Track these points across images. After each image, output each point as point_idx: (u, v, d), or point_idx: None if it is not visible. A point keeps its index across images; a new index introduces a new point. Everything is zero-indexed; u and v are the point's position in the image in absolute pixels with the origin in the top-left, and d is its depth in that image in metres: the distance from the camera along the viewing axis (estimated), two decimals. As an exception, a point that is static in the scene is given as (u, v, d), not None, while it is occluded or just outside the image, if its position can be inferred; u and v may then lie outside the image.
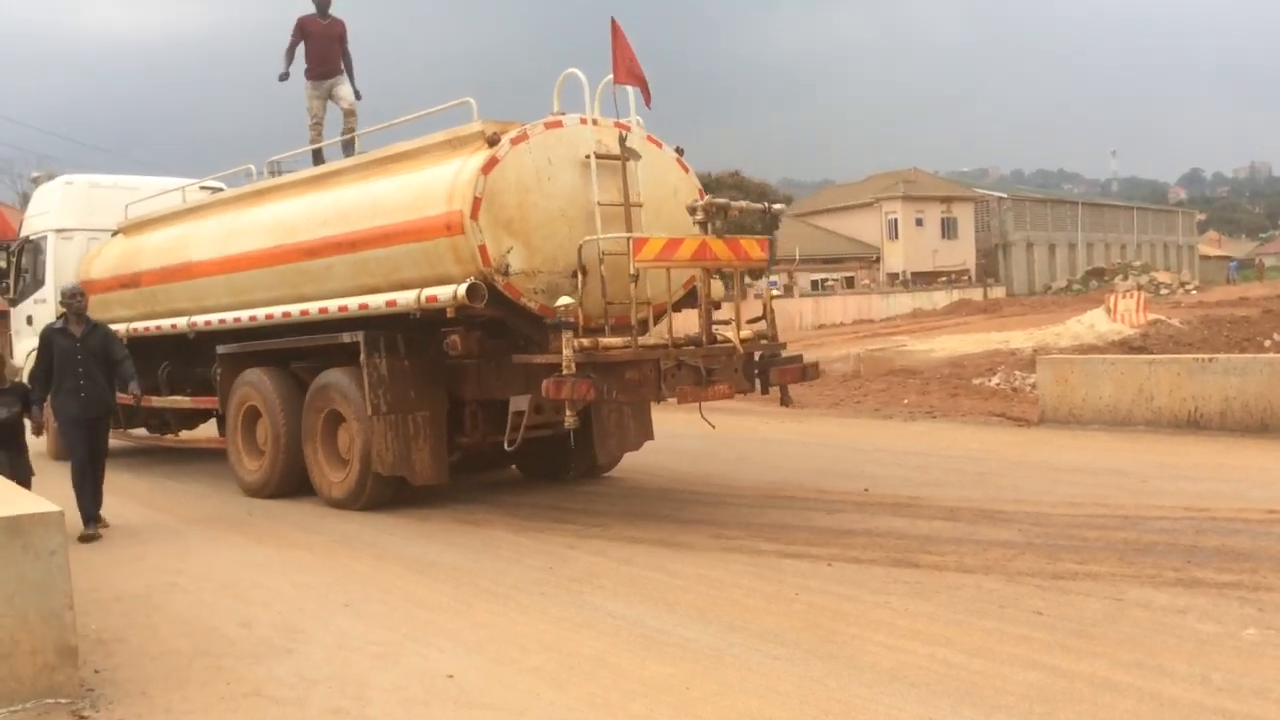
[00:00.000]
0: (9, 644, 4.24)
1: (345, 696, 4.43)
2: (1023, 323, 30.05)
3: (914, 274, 57.14)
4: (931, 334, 29.28)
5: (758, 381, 8.64)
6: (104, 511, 8.67)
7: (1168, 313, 26.88)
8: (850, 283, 55.47)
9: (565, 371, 7.45)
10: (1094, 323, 23.50)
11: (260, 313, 10.04)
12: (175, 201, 12.47)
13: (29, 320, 14.25)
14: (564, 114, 8.60)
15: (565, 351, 7.44)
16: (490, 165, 7.94)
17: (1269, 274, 75.29)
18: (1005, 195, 69.83)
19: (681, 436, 13.79)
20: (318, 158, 10.93)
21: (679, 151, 9.25)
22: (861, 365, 19.57)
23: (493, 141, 8.06)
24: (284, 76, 11.26)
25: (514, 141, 8.09)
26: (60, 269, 13.68)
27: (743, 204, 8.96)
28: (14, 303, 14.91)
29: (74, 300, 8.62)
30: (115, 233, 13.21)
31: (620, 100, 8.74)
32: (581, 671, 4.64)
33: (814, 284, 52.89)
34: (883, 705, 4.12)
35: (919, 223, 59.95)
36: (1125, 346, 19.54)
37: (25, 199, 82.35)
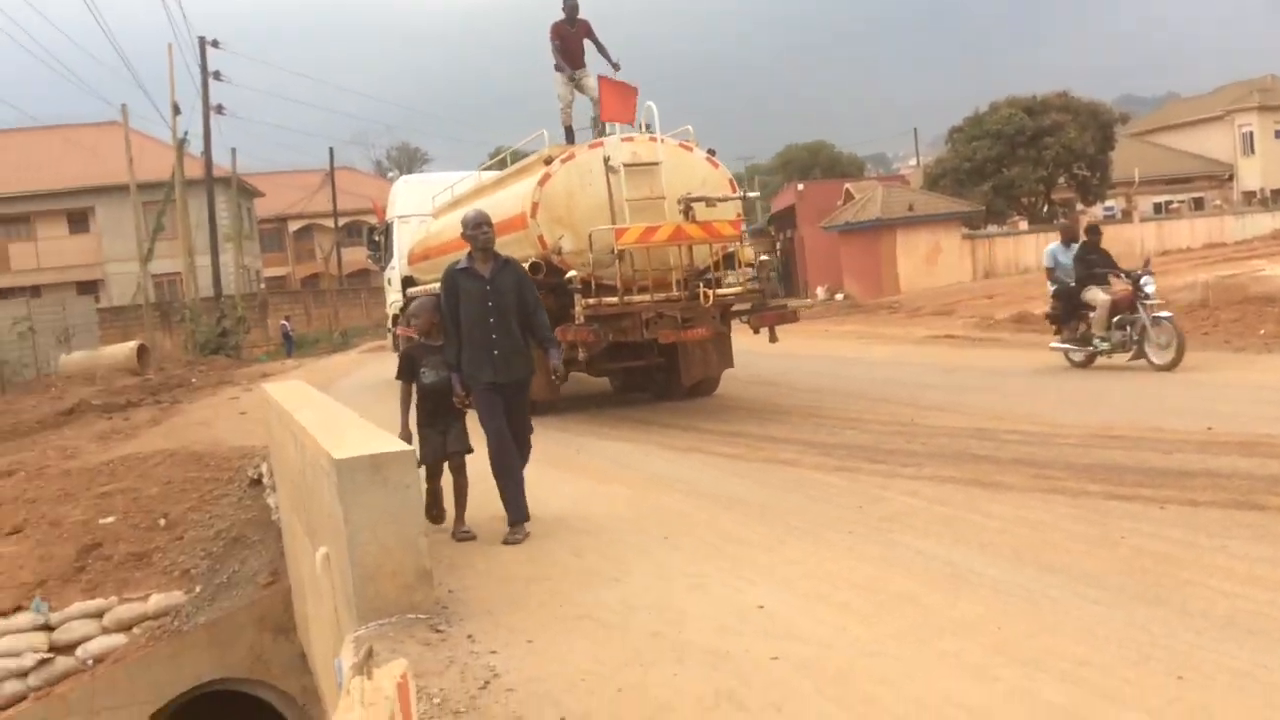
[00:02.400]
0: (373, 567, 4.83)
1: (664, 622, 4.72)
2: None
3: (1274, 191, 51.40)
4: (1295, 256, 26.41)
5: (747, 323, 11.78)
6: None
7: None
8: (1198, 204, 50.71)
9: (576, 322, 10.56)
10: None
11: None
12: (445, 195, 16.02)
13: (389, 282, 19.21)
14: (608, 135, 11.84)
15: (576, 308, 10.61)
16: (544, 180, 11.29)
17: None
18: (1390, 94, 61.13)
19: (1003, 373, 13.32)
20: (569, 136, 12.89)
21: (710, 152, 11.96)
22: (1210, 293, 17.96)
23: (548, 162, 11.41)
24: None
25: (563, 161, 11.39)
26: (400, 246, 18.08)
27: (720, 196, 11.37)
28: (382, 270, 20.50)
29: (478, 232, 6.74)
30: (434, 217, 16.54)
31: (651, 118, 11.78)
32: (889, 608, 4.70)
33: (1156, 207, 48.77)
34: (1213, 653, 3.91)
35: (1279, 135, 53.75)
36: None
37: (378, 166, 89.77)
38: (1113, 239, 39.15)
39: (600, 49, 13.16)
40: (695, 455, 9.19)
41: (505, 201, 11.99)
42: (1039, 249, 36.08)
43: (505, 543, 6.41)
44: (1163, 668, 3.83)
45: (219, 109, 36.07)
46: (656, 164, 11.34)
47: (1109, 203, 44.16)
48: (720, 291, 11.17)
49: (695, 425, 10.90)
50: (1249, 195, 51.82)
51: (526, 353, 6.81)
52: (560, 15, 12.92)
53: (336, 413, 6.96)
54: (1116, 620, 4.35)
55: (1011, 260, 35.46)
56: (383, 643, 4.52)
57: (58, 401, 20.86)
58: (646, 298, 10.93)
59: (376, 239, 20.56)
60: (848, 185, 39.24)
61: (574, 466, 9.07)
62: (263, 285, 53.23)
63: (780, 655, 4.20)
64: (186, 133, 35.00)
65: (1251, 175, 53.06)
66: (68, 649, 9.47)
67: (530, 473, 6.85)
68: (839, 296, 34.41)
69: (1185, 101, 64.59)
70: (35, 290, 40.00)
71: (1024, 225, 37.58)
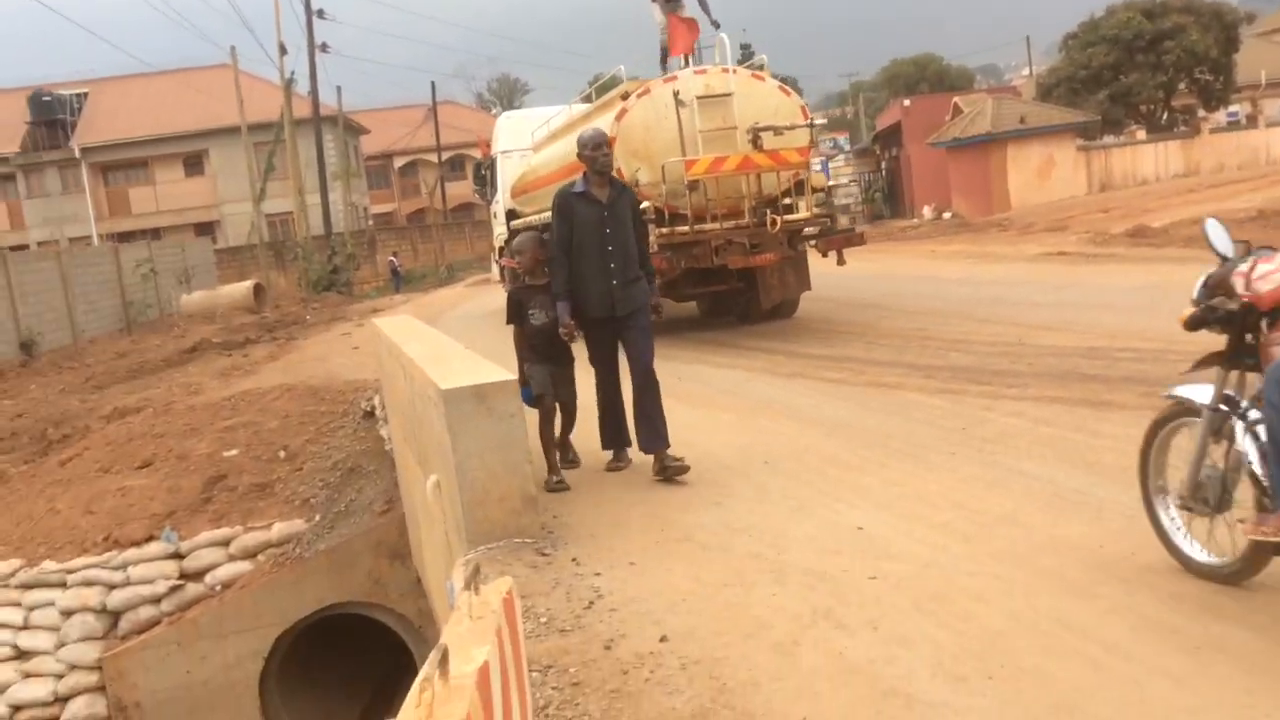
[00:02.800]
0: (482, 493, 4.99)
1: (764, 544, 4.80)
2: None
3: None
4: None
5: (815, 247, 12.28)
6: None
7: None
8: (1333, 106, 47.93)
9: (651, 251, 10.16)
10: None
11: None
12: (543, 130, 16.20)
13: (494, 215, 19.75)
14: (683, 69, 12.38)
15: (650, 237, 10.39)
16: (621, 115, 11.75)
17: None
18: None
19: (1117, 290, 12.93)
20: (664, 58, 13.48)
21: (784, 81, 12.92)
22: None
23: (625, 97, 11.93)
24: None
25: (639, 95, 11.80)
26: (504, 180, 18.40)
27: (788, 125, 11.59)
28: (488, 204, 21.12)
29: (598, 153, 6.24)
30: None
31: (723, 50, 12.23)
32: (989, 529, 4.69)
33: (1285, 111, 46.29)
34: (1323, 572, 3.83)
35: None
36: None
37: (480, 99, 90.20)
38: (1237, 146, 37.42)
39: (702, 2, 13.59)
40: (799, 380, 9.19)
41: None
42: (1158, 159, 34.89)
43: (608, 470, 6.50)
44: (1268, 584, 3.76)
45: (323, 47, 36.56)
46: (729, 95, 11.71)
47: (1233, 108, 42.07)
48: (788, 218, 11.66)
49: (799, 350, 10.87)
50: (1388, 94, 48.77)
51: (643, 280, 6.42)
52: None
53: (443, 345, 7.14)
54: (1225, 538, 4.27)
55: (1129, 172, 34.18)
56: (491, 565, 4.68)
57: (180, 340, 21.72)
58: (717, 226, 11.42)
59: (483, 174, 21.30)
60: (956, 99, 38.10)
61: (677, 393, 9.10)
62: (370, 222, 54.34)
63: (878, 575, 4.24)
64: (293, 72, 35.77)
65: (1391, 73, 49.84)
66: (197, 576, 9.95)
67: (630, 398, 6.88)
68: (947, 215, 33.66)
69: (1319, -4, 60.68)
70: (155, 233, 41.62)
71: (1142, 135, 36.11)
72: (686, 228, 11.35)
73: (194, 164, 47.74)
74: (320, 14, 36.15)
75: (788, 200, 11.78)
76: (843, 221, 12.49)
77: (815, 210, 12.03)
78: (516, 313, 6.51)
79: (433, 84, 56.60)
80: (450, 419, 4.94)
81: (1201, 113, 38.54)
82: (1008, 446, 6.08)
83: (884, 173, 43.23)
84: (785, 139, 11.60)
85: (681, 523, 5.28)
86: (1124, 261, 16.38)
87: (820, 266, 12.75)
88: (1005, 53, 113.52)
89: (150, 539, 9.97)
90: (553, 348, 6.40)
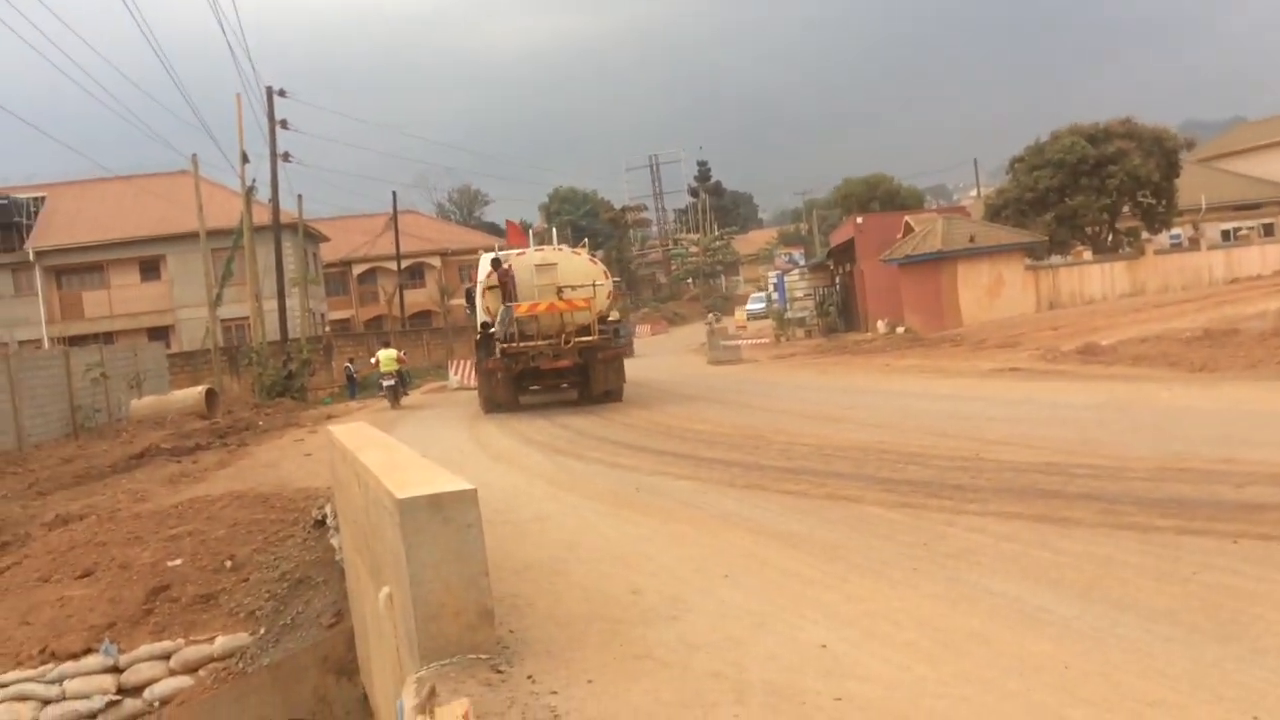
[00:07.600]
0: (436, 606, 4.84)
1: (725, 662, 4.67)
2: None
3: (1349, 215, 50.09)
4: (1372, 282, 25.69)
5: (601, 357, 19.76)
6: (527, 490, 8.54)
7: None
8: (1269, 230, 49.61)
9: (495, 356, 19.42)
10: None
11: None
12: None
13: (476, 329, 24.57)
14: (531, 247, 21.43)
15: (495, 350, 19.37)
16: (489, 275, 19.64)
17: None
18: None
19: (1070, 406, 13.09)
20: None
21: (593, 255, 21.16)
22: (1282, 322, 17.57)
23: (494, 264, 19.79)
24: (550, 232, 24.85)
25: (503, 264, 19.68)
26: (481, 302, 23.63)
27: (580, 284, 19.38)
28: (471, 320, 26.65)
29: None
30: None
31: (553, 237, 22.81)
32: (955, 648, 4.61)
33: (1224, 234, 47.82)
34: (1290, 693, 3.79)
35: (1353, 156, 52.45)
36: None
37: (440, 209, 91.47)
38: (1181, 267, 38.39)
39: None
40: (756, 493, 9.13)
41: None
42: (1104, 279, 35.79)
43: None
44: (1236, 707, 3.72)
45: (285, 156, 36.88)
46: (554, 264, 19.67)
47: (1175, 230, 43.41)
48: (580, 339, 19.07)
49: (756, 463, 10.83)
50: (1322, 220, 50.54)
51: None
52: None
53: (400, 452, 7.01)
54: (1188, 658, 4.23)
55: (1076, 291, 34.96)
56: (444, 683, 4.52)
57: (128, 446, 21.31)
58: (534, 343, 18.95)
59: (471, 297, 26.88)
60: (907, 218, 38.98)
61: (635, 505, 9.05)
62: (328, 328, 54.09)
63: (843, 696, 4.13)
64: (254, 180, 35.82)
65: (1324, 200, 51.75)
66: (135, 691, 9.58)
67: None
68: (900, 330, 34.10)
69: (1252, 125, 63.29)
70: (108, 337, 41.12)
71: (1088, 255, 37.06)
72: (515, 344, 18.81)
73: (150, 268, 47.49)
74: (283, 124, 36.54)
75: (593, 327, 19.07)
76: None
77: (599, 336, 19.18)
78: None
79: (394, 194, 56.89)
80: (405, 529, 4.81)
81: (1145, 235, 39.68)
82: (970, 563, 6.03)
83: (838, 287, 43.90)
84: (578, 292, 19.09)
85: (640, 638, 5.15)
86: (1075, 379, 16.63)
87: (777, 377, 12.82)
88: (953, 174, 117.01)
89: (88, 651, 9.62)
90: None
